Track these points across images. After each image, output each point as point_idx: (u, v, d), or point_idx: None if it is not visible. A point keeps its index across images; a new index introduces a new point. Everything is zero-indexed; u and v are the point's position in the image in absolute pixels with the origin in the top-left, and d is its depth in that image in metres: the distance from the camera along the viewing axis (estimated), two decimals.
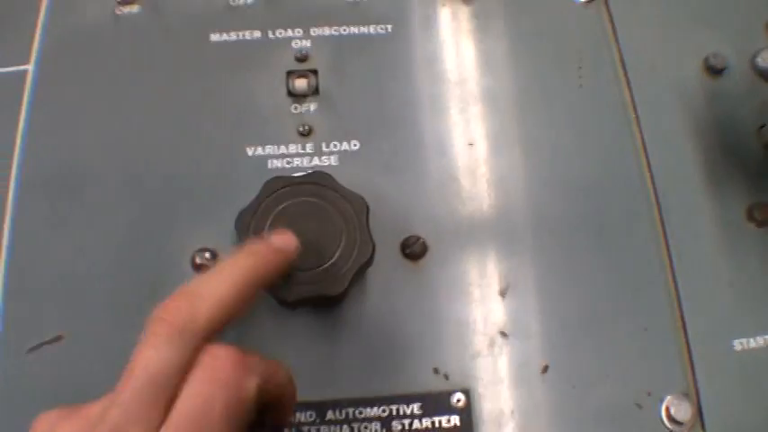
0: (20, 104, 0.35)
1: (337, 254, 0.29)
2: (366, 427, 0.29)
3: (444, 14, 0.36)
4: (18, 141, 0.34)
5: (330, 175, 0.30)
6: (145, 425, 0.21)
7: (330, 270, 0.28)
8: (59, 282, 0.32)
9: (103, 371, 0.30)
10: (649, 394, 0.30)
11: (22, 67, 0.36)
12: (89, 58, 0.36)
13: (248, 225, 0.29)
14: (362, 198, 0.30)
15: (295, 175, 0.30)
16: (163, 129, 0.34)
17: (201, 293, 0.23)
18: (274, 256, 0.26)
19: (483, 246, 0.31)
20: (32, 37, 0.36)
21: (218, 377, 0.22)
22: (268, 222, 0.29)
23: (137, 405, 0.21)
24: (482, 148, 0.33)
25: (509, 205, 0.32)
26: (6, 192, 0.33)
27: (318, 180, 0.30)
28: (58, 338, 0.31)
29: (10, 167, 0.34)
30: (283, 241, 0.27)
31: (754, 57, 0.29)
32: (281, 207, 0.30)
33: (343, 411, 0.29)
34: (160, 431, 0.21)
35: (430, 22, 0.36)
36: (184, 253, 0.31)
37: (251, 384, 0.22)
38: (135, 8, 0.36)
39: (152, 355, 0.22)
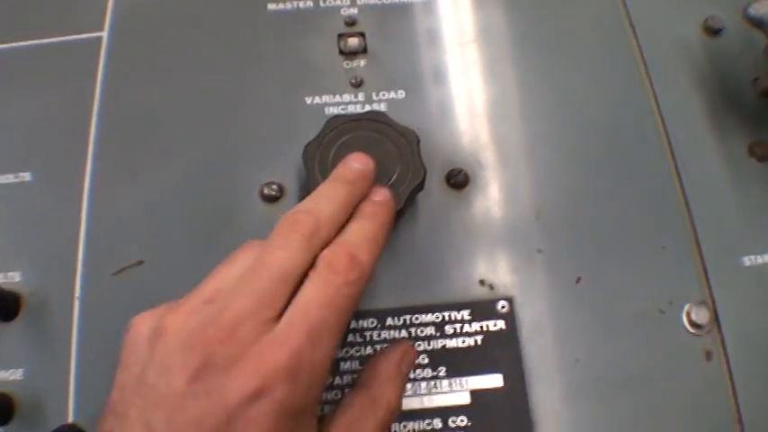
0: (96, 66, 0.40)
1: (394, 178, 0.33)
2: (422, 331, 0.33)
3: None
4: (97, 95, 0.39)
5: (384, 113, 0.35)
6: (271, 311, 0.25)
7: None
8: (139, 213, 0.36)
9: (180, 292, 0.34)
10: (671, 302, 0.34)
11: (96, 34, 0.40)
12: (157, 26, 0.40)
13: (313, 156, 0.34)
14: (414, 131, 0.34)
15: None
16: (228, 84, 0.38)
17: (320, 211, 0.28)
18: (363, 182, 0.30)
19: (517, 177, 0.36)
20: (105, 8, 0.41)
21: (338, 275, 0.26)
22: (331, 153, 0.34)
23: (266, 294, 0.25)
24: (512, 95, 0.38)
25: (538, 143, 0.37)
26: (88, 137, 0.38)
27: (374, 117, 0.35)
28: (138, 263, 0.35)
29: (90, 117, 0.38)
30: (362, 162, 0.31)
31: (746, 8, 0.34)
32: (342, 140, 0.34)
33: (402, 318, 0.33)
34: (285, 317, 0.25)
35: None
36: (253, 186, 0.36)
37: (364, 279, 0.26)
38: None
39: (283, 255, 0.26)
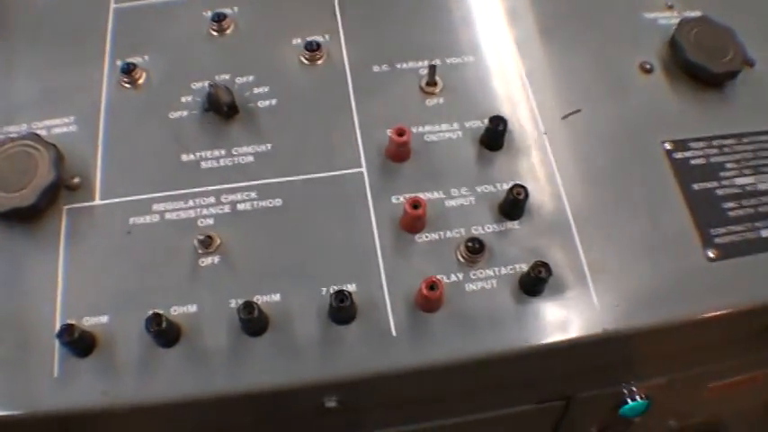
0: None
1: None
2: None
3: None
4: None
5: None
6: None
7: None
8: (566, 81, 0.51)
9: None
10: None
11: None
12: None
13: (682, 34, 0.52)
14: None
15: None
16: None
17: None
18: None
19: None
20: None
21: None
22: (691, 35, 0.52)
23: None
24: None
25: None
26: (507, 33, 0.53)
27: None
28: (577, 111, 0.50)
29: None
30: None
31: None
32: (695, 30, 0.52)
33: None
34: None
35: None
36: (634, 61, 0.53)
37: None
38: None
39: None
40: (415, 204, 0.43)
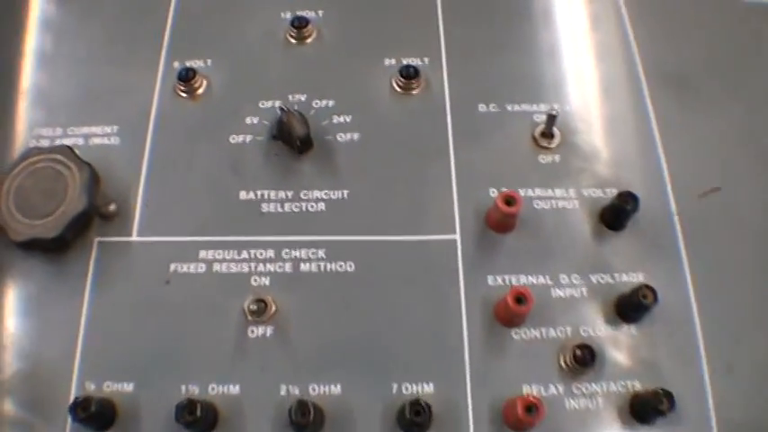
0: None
1: None
2: None
3: None
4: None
5: None
6: None
7: None
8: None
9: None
10: None
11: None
12: None
13: None
14: None
15: None
16: None
17: None
18: None
19: None
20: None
21: None
22: None
23: None
24: None
25: None
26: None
27: None
28: (716, 189, 0.40)
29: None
30: None
31: None
32: None
33: None
34: None
35: None
36: None
37: None
38: None
39: None
40: (520, 298, 0.34)
